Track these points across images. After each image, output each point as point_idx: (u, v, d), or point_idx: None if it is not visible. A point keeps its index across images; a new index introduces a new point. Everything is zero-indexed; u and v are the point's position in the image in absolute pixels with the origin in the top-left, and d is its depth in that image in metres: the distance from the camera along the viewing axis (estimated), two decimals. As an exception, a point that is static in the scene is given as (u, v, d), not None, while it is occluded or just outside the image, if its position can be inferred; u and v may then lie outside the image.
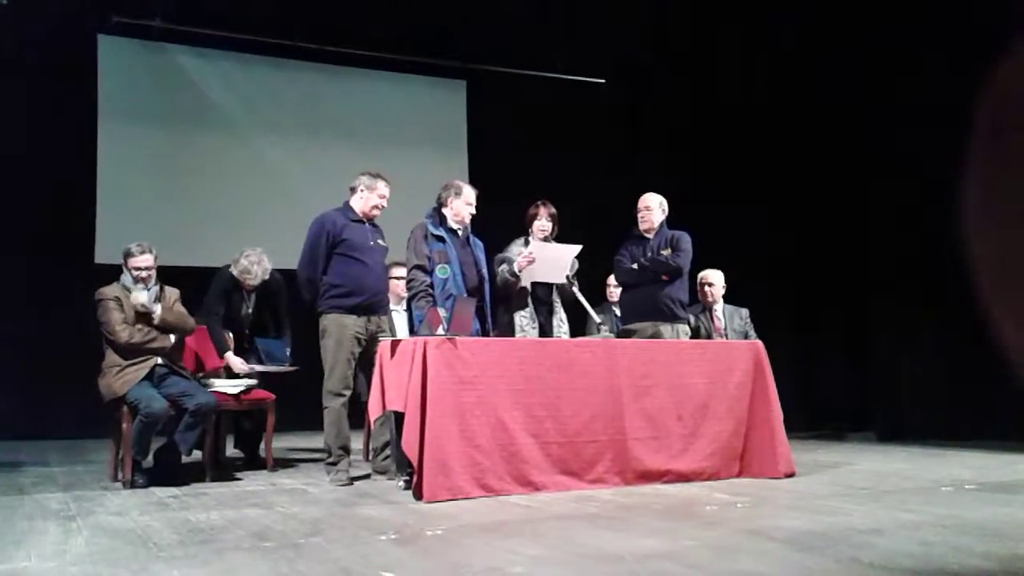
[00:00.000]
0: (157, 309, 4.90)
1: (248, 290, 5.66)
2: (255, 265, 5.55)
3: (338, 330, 4.85)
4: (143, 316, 4.86)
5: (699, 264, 6.00)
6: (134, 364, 4.77)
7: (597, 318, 5.26)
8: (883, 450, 6.45)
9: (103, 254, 7.95)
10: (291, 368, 5.58)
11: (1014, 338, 6.32)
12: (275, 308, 5.81)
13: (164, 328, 4.95)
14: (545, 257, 5.11)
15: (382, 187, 5.05)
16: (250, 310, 5.72)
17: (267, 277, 5.64)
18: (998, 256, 6.45)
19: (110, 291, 4.88)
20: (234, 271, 5.57)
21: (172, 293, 5.11)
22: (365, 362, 4.95)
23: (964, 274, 6.59)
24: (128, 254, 4.96)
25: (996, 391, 6.56)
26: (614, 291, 6.62)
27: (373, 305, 4.98)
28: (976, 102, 6.52)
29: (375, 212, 5.06)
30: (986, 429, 6.70)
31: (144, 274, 4.93)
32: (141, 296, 4.85)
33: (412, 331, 4.84)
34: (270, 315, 5.80)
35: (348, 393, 4.90)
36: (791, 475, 4.80)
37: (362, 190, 5.03)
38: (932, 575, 2.60)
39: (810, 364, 8.19)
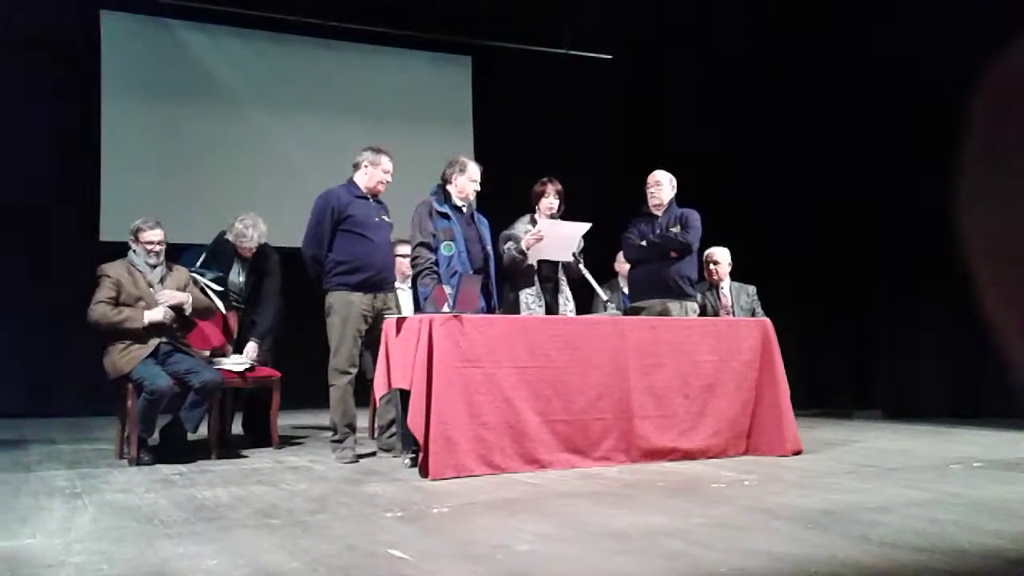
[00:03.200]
0: (188, 300, 4.90)
1: (244, 256, 5.62)
2: (250, 228, 5.51)
3: (344, 307, 4.83)
4: (175, 308, 4.86)
5: (706, 241, 5.96)
6: (139, 342, 4.76)
7: (604, 296, 5.23)
8: (890, 427, 6.43)
9: (108, 231, 7.95)
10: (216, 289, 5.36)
11: (1012, 323, 6.33)
12: (263, 279, 5.67)
13: (196, 315, 4.97)
14: (553, 235, 5.08)
15: (386, 162, 5.01)
16: (240, 278, 5.63)
17: (263, 240, 5.59)
18: (1000, 234, 6.43)
19: (112, 269, 4.85)
20: (230, 236, 5.55)
21: (180, 272, 5.09)
22: (371, 340, 4.93)
23: (968, 250, 6.56)
24: (138, 229, 4.93)
25: (1003, 368, 6.53)
26: (622, 268, 6.59)
27: (379, 282, 4.95)
28: (976, 91, 6.50)
29: (380, 188, 5.02)
30: (994, 406, 6.67)
31: (157, 247, 4.91)
32: (164, 296, 4.84)
33: (417, 308, 4.81)
34: (263, 287, 5.70)
35: (354, 371, 4.89)
36: (798, 453, 4.79)
37: (366, 166, 5.00)
38: (942, 553, 2.58)
39: (816, 341, 8.16)
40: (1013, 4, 6.40)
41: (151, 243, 4.91)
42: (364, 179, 5.00)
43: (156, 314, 4.79)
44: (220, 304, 5.29)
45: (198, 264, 5.41)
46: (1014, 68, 6.29)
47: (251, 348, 5.46)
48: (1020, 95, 6.32)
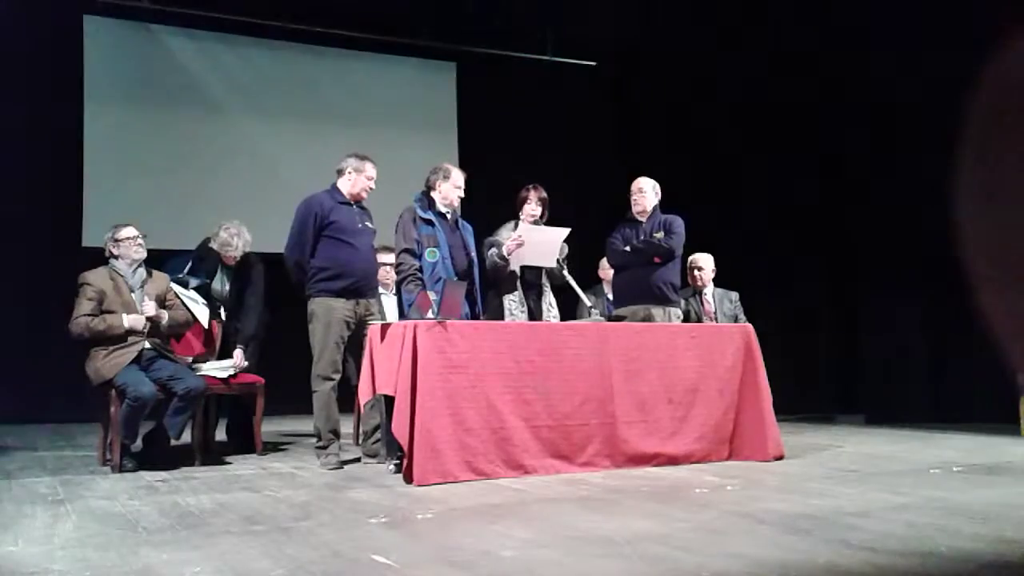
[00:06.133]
0: (164, 317, 4.88)
1: (229, 265, 5.60)
2: (235, 237, 5.50)
3: (326, 314, 4.83)
4: (151, 320, 4.83)
5: (689, 247, 5.99)
6: (121, 348, 4.72)
7: (588, 301, 5.25)
8: (871, 432, 6.48)
9: (90, 237, 7.90)
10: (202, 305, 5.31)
11: (1002, 321, 6.36)
12: (246, 288, 5.64)
13: (175, 328, 4.95)
14: (534, 240, 5.09)
15: (370, 169, 5.02)
16: (224, 286, 5.61)
17: (248, 249, 5.58)
18: (988, 238, 6.47)
19: (94, 277, 4.81)
20: (214, 245, 5.53)
21: (160, 278, 5.07)
22: (354, 346, 4.94)
23: (952, 255, 6.61)
24: (114, 232, 4.90)
25: (984, 373, 6.59)
26: (606, 274, 6.61)
27: (361, 288, 4.96)
28: (969, 90, 6.55)
29: (363, 194, 5.03)
30: (974, 411, 6.73)
31: (140, 239, 4.89)
32: (149, 308, 4.80)
33: (402, 315, 4.82)
34: (246, 296, 5.67)
35: (337, 377, 4.89)
36: (780, 458, 4.82)
37: (350, 172, 5.00)
38: (920, 557, 2.61)
39: (798, 347, 8.21)
40: (1011, 4, 6.46)
41: (132, 238, 4.87)
42: (348, 185, 5.00)
43: (136, 321, 4.77)
44: (202, 314, 5.26)
45: (185, 271, 5.39)
46: (1008, 68, 6.34)
47: (238, 355, 5.44)
48: (1014, 94, 6.38)
